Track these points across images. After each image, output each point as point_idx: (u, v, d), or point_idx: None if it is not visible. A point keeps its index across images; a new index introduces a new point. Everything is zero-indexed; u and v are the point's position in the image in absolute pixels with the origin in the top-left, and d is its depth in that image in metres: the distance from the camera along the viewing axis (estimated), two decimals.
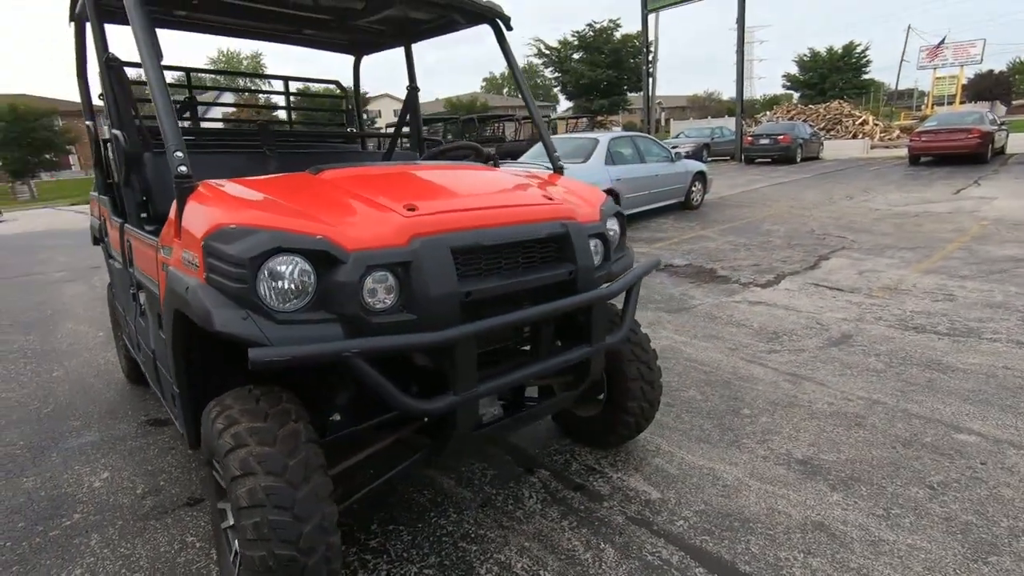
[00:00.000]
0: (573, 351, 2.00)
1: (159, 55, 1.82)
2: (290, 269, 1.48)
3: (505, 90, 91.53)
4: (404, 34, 3.37)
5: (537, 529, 2.11)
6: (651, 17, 22.40)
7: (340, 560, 1.54)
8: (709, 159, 22.51)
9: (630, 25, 33.21)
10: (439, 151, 3.01)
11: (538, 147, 9.59)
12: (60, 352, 4.34)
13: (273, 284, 1.46)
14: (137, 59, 3.01)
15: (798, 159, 19.12)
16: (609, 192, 8.36)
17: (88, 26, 2.60)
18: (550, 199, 2.06)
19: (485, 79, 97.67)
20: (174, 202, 1.72)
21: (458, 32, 3.09)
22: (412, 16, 3.00)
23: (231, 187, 1.78)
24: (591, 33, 27.80)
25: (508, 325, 1.72)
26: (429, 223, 1.65)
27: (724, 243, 7.44)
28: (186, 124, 3.69)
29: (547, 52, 28.97)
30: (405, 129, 3.74)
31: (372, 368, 1.49)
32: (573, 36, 28.07)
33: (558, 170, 2.72)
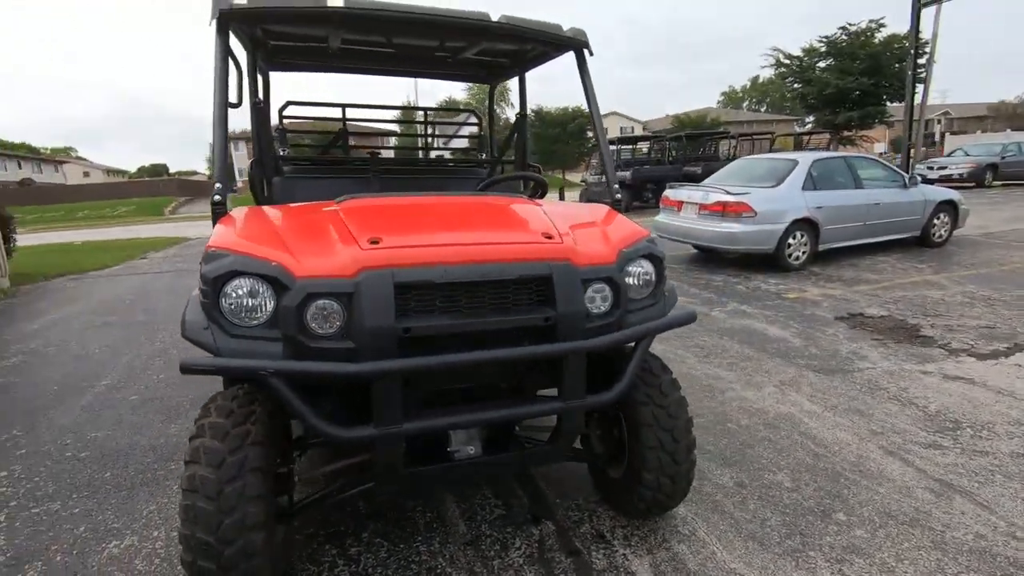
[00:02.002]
0: (540, 404, 1.85)
1: (227, 98, 2.21)
2: (248, 290, 1.68)
3: (745, 104, 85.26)
4: (516, 64, 3.48)
5: None
6: (928, 11, 18.49)
7: (266, 556, 1.66)
8: (995, 183, 17.81)
9: (898, 24, 27.88)
10: (494, 180, 3.03)
11: (728, 168, 8.76)
12: None
13: (234, 301, 1.68)
14: (306, 99, 3.70)
15: None
16: (805, 221, 7.20)
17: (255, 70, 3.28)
18: (549, 238, 1.92)
19: (723, 93, 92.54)
20: None
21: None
22: (515, 49, 3.09)
23: (249, 213, 2.08)
24: (844, 37, 24.01)
25: (442, 367, 1.66)
26: (380, 257, 1.70)
27: (956, 293, 5.83)
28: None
29: (786, 62, 25.92)
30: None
31: (289, 388, 1.60)
32: (820, 42, 24.59)
33: (615, 204, 2.50)
